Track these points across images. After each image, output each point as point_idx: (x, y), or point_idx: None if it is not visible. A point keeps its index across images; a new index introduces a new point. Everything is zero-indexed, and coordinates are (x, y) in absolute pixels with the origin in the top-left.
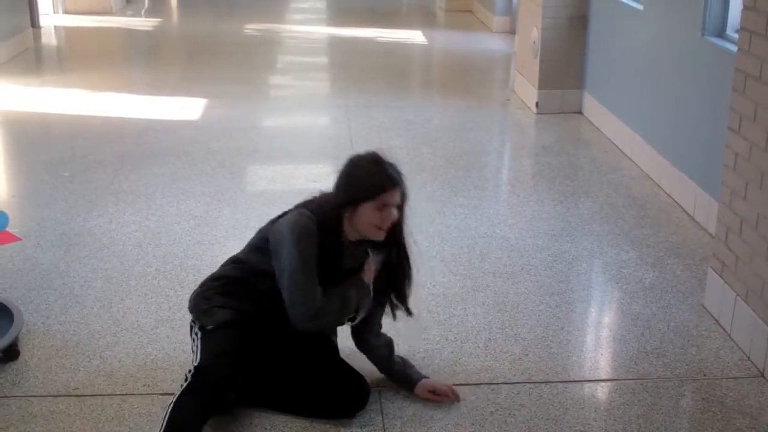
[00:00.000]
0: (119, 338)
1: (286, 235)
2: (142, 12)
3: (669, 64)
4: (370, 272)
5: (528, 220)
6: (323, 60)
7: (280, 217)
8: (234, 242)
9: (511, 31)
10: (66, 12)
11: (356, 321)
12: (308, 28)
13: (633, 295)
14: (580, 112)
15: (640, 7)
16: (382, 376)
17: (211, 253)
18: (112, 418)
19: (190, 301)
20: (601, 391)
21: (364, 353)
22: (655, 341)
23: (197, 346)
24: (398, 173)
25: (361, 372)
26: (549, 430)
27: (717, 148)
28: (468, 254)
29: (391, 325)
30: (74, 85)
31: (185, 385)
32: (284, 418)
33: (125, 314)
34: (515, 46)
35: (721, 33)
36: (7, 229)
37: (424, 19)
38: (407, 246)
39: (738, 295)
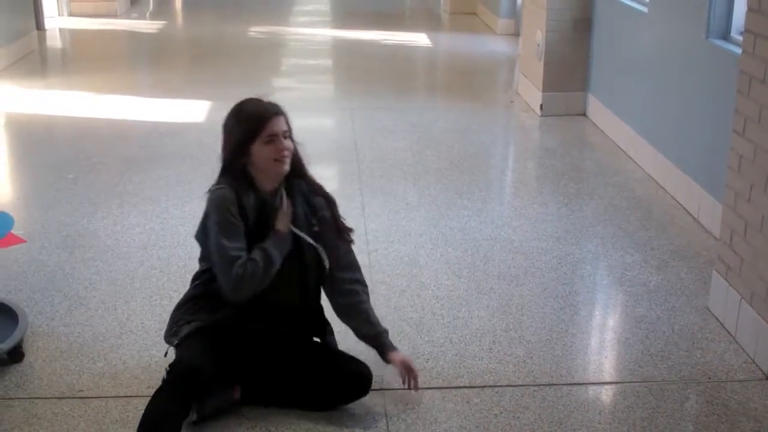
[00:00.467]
0: (124, 340)
1: (207, 215)
2: (147, 15)
3: (673, 67)
4: (283, 218)
5: (532, 223)
6: (327, 62)
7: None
8: None
9: (516, 34)
10: (71, 15)
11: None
12: (312, 31)
13: (637, 297)
14: (584, 115)
15: (644, 9)
16: (383, 375)
17: None
18: (117, 420)
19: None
20: (606, 394)
21: (341, 318)
22: (659, 344)
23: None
24: (274, 104)
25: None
26: None
27: (721, 150)
28: (472, 257)
29: (396, 326)
30: (79, 88)
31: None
32: (288, 421)
33: (129, 316)
34: (519, 49)
35: (725, 35)
36: (12, 230)
37: (429, 21)
38: (313, 178)
39: (743, 297)
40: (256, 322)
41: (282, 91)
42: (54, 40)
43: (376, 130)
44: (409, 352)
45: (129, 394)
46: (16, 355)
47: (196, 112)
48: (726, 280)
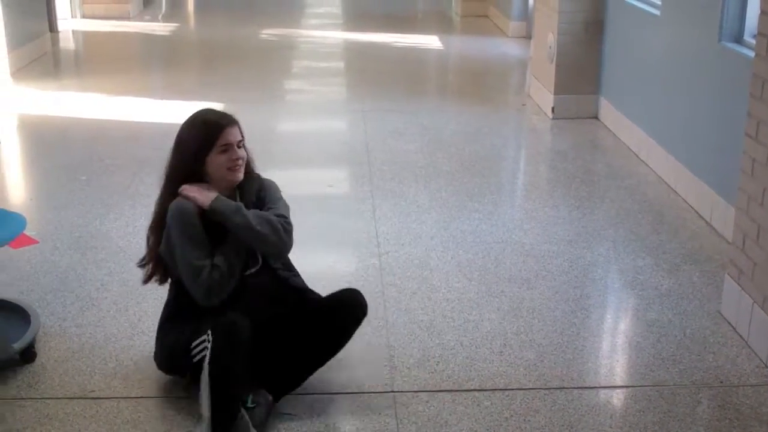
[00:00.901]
0: (135, 341)
1: (169, 229)
2: (159, 17)
3: (686, 70)
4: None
5: (543, 226)
6: (339, 65)
7: None
8: None
9: (527, 36)
10: (84, 17)
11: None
12: (324, 33)
13: (649, 301)
14: (596, 117)
15: (656, 12)
16: (398, 379)
17: None
18: (128, 421)
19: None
20: (617, 398)
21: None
22: (671, 348)
23: (205, 359)
24: (228, 115)
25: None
26: None
27: (734, 153)
28: (483, 260)
29: (406, 329)
30: (92, 89)
31: (208, 354)
32: (297, 423)
33: (141, 317)
34: (531, 51)
35: (738, 38)
36: (25, 231)
37: (440, 24)
38: (260, 176)
39: (755, 301)
40: (246, 312)
41: (294, 93)
42: (67, 42)
43: (388, 132)
44: (419, 354)
45: (140, 395)
46: (28, 355)
47: None
48: (738, 284)
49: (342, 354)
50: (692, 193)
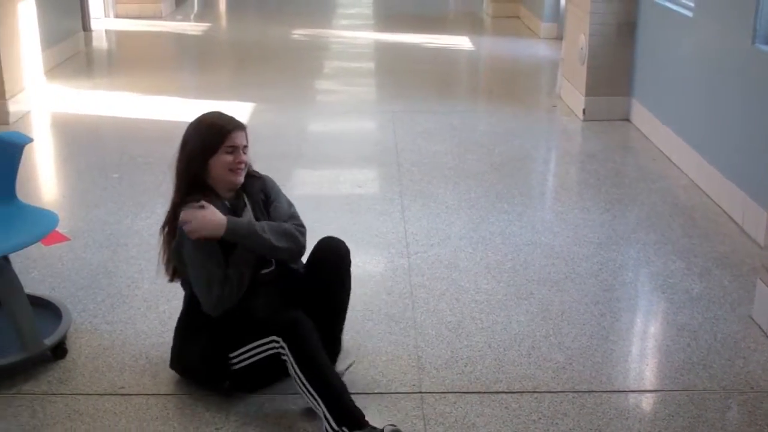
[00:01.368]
0: (165, 338)
1: (180, 237)
2: (192, 17)
3: (719, 72)
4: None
5: (573, 228)
6: (369, 65)
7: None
8: None
9: (559, 38)
10: (116, 16)
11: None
12: (355, 34)
13: (679, 305)
14: (627, 120)
15: (689, 14)
16: (426, 380)
17: None
18: (157, 418)
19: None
20: (646, 402)
21: None
22: (701, 352)
23: (288, 356)
24: (236, 118)
25: None
26: None
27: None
28: (512, 261)
29: (434, 330)
30: (124, 88)
31: (286, 347)
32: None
33: (172, 315)
34: (562, 53)
35: None
36: (57, 229)
37: (471, 24)
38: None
39: None
40: (260, 302)
41: (324, 93)
42: (100, 41)
43: (417, 133)
44: (447, 355)
45: (170, 392)
46: (59, 351)
47: (239, 114)
48: None
49: (369, 354)
50: (724, 196)
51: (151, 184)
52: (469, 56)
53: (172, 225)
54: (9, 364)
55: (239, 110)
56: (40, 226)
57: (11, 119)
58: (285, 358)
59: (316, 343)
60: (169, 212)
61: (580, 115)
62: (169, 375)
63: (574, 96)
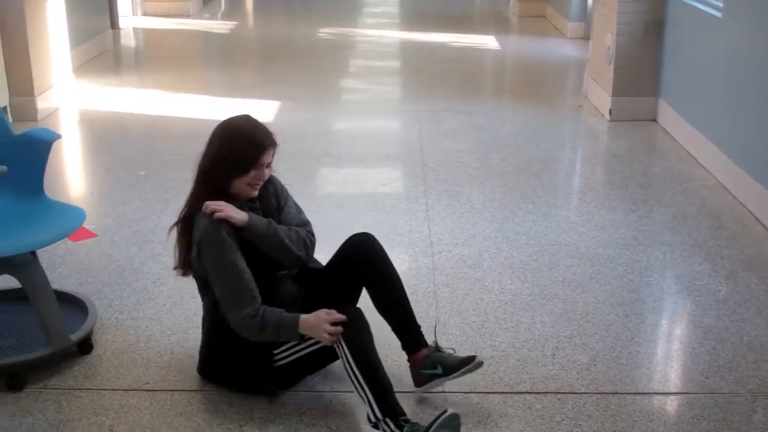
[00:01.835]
0: (190, 335)
1: (203, 253)
2: (219, 15)
3: (748, 73)
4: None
5: (599, 229)
6: (395, 64)
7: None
8: None
9: (585, 37)
10: (144, 14)
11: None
12: (381, 33)
13: (705, 307)
14: (654, 120)
15: (718, 14)
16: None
17: None
18: (181, 413)
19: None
20: (671, 405)
21: None
22: (727, 355)
23: (343, 351)
24: (270, 133)
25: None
26: None
27: None
28: (537, 261)
29: (458, 329)
30: (152, 86)
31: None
32: (348, 421)
33: (196, 311)
34: (589, 52)
35: None
36: (84, 225)
37: (497, 24)
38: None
39: None
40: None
41: (350, 92)
42: (128, 39)
43: (442, 132)
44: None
45: (194, 388)
46: (85, 346)
47: (265, 112)
48: None
49: (393, 352)
50: (752, 199)
51: (178, 181)
52: (495, 56)
53: (187, 227)
54: (36, 359)
55: (265, 108)
56: (68, 222)
57: (40, 116)
58: (338, 346)
59: (370, 336)
60: (185, 213)
61: (607, 116)
62: (193, 371)
63: (600, 96)
